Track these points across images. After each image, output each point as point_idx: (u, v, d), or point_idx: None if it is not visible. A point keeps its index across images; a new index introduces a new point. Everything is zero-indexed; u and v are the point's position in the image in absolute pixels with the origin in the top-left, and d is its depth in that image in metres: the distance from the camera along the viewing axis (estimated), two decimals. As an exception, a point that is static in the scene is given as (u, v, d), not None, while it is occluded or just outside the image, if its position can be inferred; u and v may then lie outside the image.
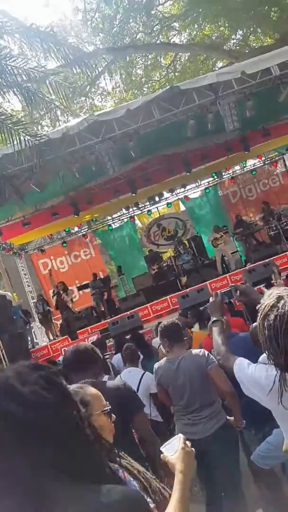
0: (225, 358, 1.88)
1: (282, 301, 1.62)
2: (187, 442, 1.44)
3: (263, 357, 3.33)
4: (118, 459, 1.23)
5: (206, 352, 3.11)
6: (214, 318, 2.13)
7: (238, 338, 3.96)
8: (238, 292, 2.33)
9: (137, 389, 4.16)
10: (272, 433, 3.41)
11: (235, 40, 18.21)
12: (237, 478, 3.05)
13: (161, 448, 1.46)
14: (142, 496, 0.98)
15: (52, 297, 12.42)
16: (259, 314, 1.69)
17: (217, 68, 16.73)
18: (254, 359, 3.39)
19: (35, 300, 13.83)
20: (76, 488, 0.87)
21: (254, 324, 3.60)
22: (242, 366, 1.80)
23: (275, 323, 1.54)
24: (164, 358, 3.32)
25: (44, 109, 12.76)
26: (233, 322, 4.47)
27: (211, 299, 2.30)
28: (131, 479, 1.20)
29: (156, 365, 3.36)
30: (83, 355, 2.34)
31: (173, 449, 1.41)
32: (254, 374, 1.74)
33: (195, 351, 3.16)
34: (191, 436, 3.01)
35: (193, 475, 1.37)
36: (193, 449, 1.44)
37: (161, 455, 1.45)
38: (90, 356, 2.36)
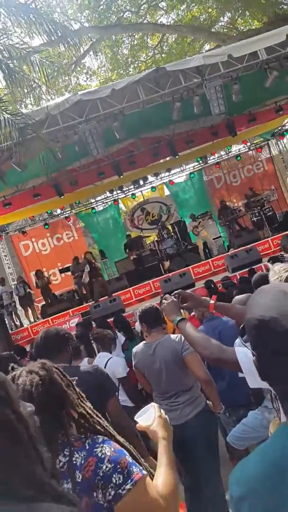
0: (220, 351, 1.72)
1: None
2: (162, 410, 1.47)
3: (239, 341, 3.35)
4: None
5: (183, 338, 3.02)
6: (178, 318, 2.01)
7: (219, 322, 3.97)
8: (181, 298, 2.19)
9: None
10: (247, 415, 3.48)
11: (223, 23, 17.99)
12: (215, 463, 3.05)
13: (136, 418, 1.48)
14: None
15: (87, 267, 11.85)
16: None
17: (204, 51, 16.53)
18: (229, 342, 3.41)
19: (15, 282, 13.67)
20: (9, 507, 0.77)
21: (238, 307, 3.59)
22: (250, 354, 1.69)
23: None
24: (143, 342, 3.30)
25: (27, 88, 12.43)
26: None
27: (164, 302, 2.17)
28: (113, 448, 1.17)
29: (134, 349, 3.33)
30: (53, 339, 2.25)
31: (150, 418, 1.44)
32: None
33: (172, 336, 3.11)
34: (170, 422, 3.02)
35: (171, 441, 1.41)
36: (167, 416, 1.48)
37: (138, 425, 1.44)
38: (61, 340, 2.27)
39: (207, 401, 3.10)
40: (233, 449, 3.63)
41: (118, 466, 1.12)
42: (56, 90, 18.23)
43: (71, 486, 1.07)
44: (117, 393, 4.14)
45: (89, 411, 1.24)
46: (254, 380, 1.58)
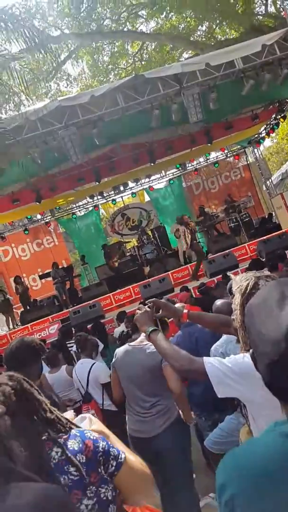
0: (190, 362, 1.73)
1: (261, 281, 1.63)
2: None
3: (216, 347, 3.41)
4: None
5: None
6: (151, 329, 2.02)
7: (196, 328, 4.01)
8: (155, 308, 2.20)
9: (87, 380, 4.17)
10: (223, 420, 3.53)
11: (201, 32, 18.25)
12: (188, 472, 3.05)
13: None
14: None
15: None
16: (237, 297, 1.66)
17: (183, 59, 16.74)
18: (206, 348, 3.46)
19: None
20: None
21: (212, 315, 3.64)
22: (218, 364, 1.66)
23: None
24: (128, 343, 3.26)
25: (7, 94, 12.37)
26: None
27: (138, 312, 2.17)
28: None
29: (118, 349, 3.30)
30: (21, 352, 2.20)
31: (87, 426, 1.47)
32: (242, 367, 1.61)
33: None
34: (141, 434, 2.96)
35: None
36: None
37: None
38: (29, 353, 2.22)
39: (180, 411, 3.07)
40: (210, 454, 3.67)
41: (109, 443, 1.31)
42: (37, 97, 18.19)
43: (75, 469, 1.18)
44: (99, 399, 4.16)
45: (61, 415, 1.31)
46: (222, 390, 1.63)
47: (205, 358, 1.70)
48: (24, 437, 1.15)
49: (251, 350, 0.98)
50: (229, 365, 1.64)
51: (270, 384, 0.87)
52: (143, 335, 3.11)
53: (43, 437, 1.23)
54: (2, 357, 7.55)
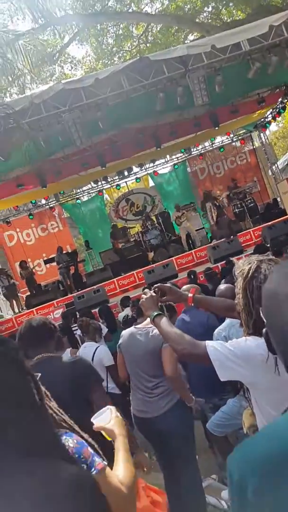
0: (193, 346, 1.73)
1: (264, 264, 1.64)
2: (117, 412, 1.52)
3: (219, 331, 3.43)
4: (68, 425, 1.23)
5: None
6: (155, 313, 2.02)
7: (196, 312, 4.04)
8: (160, 293, 2.19)
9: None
10: (225, 403, 3.57)
11: (207, 13, 17.88)
12: (191, 453, 3.10)
13: (92, 419, 1.50)
14: (90, 478, 1.03)
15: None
16: (239, 281, 1.68)
17: (188, 41, 16.46)
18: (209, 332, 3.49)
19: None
20: (31, 462, 0.90)
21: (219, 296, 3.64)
22: (220, 347, 1.66)
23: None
24: (134, 326, 3.34)
25: (11, 76, 12.23)
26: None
27: (143, 296, 2.17)
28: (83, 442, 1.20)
29: (124, 331, 3.39)
30: (38, 329, 2.27)
31: (106, 419, 1.48)
32: (244, 350, 1.62)
33: None
34: (145, 415, 3.05)
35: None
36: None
37: (94, 426, 1.48)
38: (46, 330, 2.29)
39: None
40: (212, 437, 3.72)
41: (82, 456, 1.13)
42: (41, 80, 17.99)
43: None
44: (103, 382, 4.22)
45: (54, 410, 1.23)
46: (224, 373, 1.63)
47: (207, 342, 1.70)
48: None
49: (264, 330, 0.96)
50: (231, 349, 1.64)
51: None
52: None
53: None
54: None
